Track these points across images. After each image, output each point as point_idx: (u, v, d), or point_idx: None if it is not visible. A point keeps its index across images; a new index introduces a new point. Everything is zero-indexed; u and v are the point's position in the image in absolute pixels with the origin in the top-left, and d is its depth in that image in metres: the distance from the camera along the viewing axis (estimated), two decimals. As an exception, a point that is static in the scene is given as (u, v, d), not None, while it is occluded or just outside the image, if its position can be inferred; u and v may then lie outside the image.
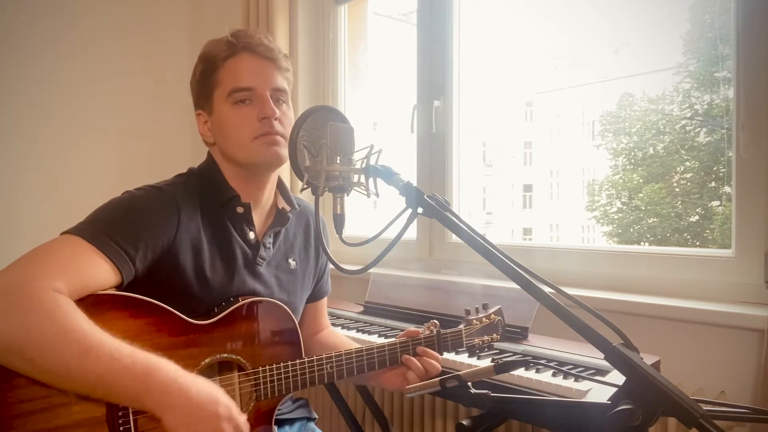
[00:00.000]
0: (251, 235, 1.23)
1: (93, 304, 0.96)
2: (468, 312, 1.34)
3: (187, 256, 1.12)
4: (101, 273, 1.00)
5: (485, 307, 1.36)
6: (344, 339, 1.44)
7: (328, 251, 0.96)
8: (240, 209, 1.21)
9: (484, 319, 1.33)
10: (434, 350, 1.27)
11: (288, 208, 1.31)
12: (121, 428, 0.97)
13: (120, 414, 0.97)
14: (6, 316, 0.88)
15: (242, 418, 0.99)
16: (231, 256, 1.20)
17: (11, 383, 0.90)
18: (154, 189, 1.14)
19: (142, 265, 1.06)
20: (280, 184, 1.32)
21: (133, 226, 1.06)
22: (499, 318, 1.34)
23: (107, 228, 1.03)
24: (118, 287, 1.04)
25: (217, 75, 1.20)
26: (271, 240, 1.27)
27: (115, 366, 0.90)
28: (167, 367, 0.94)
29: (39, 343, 0.88)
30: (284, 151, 1.18)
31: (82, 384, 0.90)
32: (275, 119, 1.17)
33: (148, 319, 1.03)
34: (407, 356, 1.23)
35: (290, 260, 1.32)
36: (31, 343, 0.87)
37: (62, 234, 1.02)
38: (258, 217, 1.26)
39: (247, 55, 1.19)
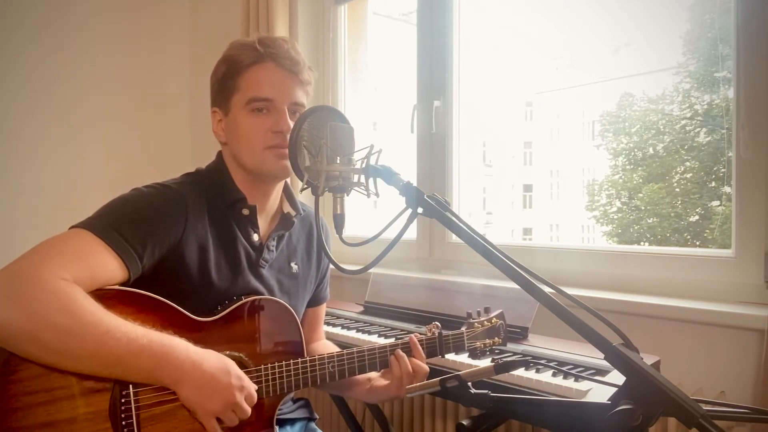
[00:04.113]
0: (255, 237, 1.23)
1: (98, 299, 0.97)
2: (470, 315, 1.34)
3: (193, 255, 1.13)
4: (109, 268, 1.01)
5: (487, 310, 1.36)
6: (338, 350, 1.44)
7: (330, 253, 0.96)
8: (246, 211, 1.22)
9: (485, 322, 1.33)
10: (436, 352, 1.27)
11: (293, 213, 1.31)
12: (124, 422, 0.98)
13: (123, 408, 0.98)
14: (17, 305, 0.89)
15: (254, 388, 1.05)
16: (235, 257, 1.20)
17: (14, 376, 0.91)
18: (163, 187, 1.15)
19: (149, 262, 1.07)
20: (286, 189, 1.33)
21: (142, 224, 1.06)
22: (501, 322, 1.35)
23: (116, 224, 1.04)
24: (124, 283, 1.05)
25: (238, 79, 1.20)
26: (274, 243, 1.28)
27: (133, 347, 0.94)
28: (180, 345, 0.99)
29: (55, 330, 0.90)
30: None
31: (99, 365, 0.94)
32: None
33: (153, 316, 1.04)
34: (395, 355, 1.22)
35: (293, 264, 1.32)
36: (46, 329, 0.89)
37: (71, 228, 1.03)
38: (263, 220, 1.27)
39: (272, 65, 1.19)
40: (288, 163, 1.18)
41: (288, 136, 1.16)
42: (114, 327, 0.94)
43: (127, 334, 0.94)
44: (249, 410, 1.04)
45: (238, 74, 1.20)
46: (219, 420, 1.02)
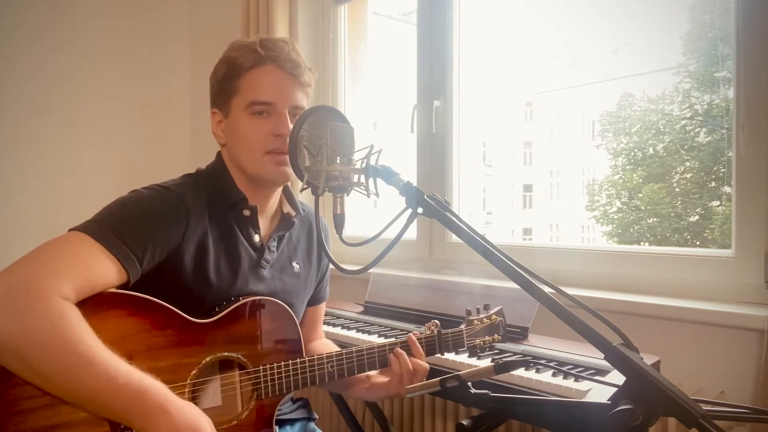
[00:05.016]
0: (256, 238, 1.23)
1: (97, 302, 0.97)
2: (469, 312, 1.34)
3: (192, 257, 1.13)
4: (108, 273, 1.00)
5: (486, 307, 1.36)
6: (338, 350, 1.44)
7: (330, 253, 0.96)
8: (246, 212, 1.21)
9: (485, 319, 1.33)
10: (436, 350, 1.27)
11: (293, 213, 1.31)
12: (122, 426, 0.97)
13: None
14: (11, 319, 0.88)
15: None
16: (236, 258, 1.20)
17: (13, 380, 0.90)
18: (163, 189, 1.14)
19: (149, 265, 1.06)
20: (285, 189, 1.33)
21: (142, 227, 1.05)
22: (501, 319, 1.34)
23: (116, 227, 1.03)
24: (123, 286, 1.04)
25: (239, 82, 1.19)
26: (275, 243, 1.27)
27: (110, 385, 0.91)
28: (158, 392, 0.95)
29: (41, 351, 0.88)
30: (292, 170, 1.19)
31: (74, 396, 0.91)
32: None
33: (151, 318, 1.03)
34: (394, 353, 1.22)
35: (294, 264, 1.32)
36: (32, 349, 0.88)
37: (70, 230, 1.02)
38: (263, 221, 1.27)
39: (273, 67, 1.19)
40: (287, 169, 1.18)
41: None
42: (96, 361, 0.90)
43: (107, 370, 0.91)
44: None
45: (239, 76, 1.19)
46: None
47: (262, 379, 1.13)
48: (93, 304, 0.96)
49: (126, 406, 0.92)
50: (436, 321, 1.30)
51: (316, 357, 1.17)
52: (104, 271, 0.99)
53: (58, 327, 0.89)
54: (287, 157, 1.17)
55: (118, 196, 1.12)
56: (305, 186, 0.98)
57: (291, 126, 1.18)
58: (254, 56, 1.19)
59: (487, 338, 1.32)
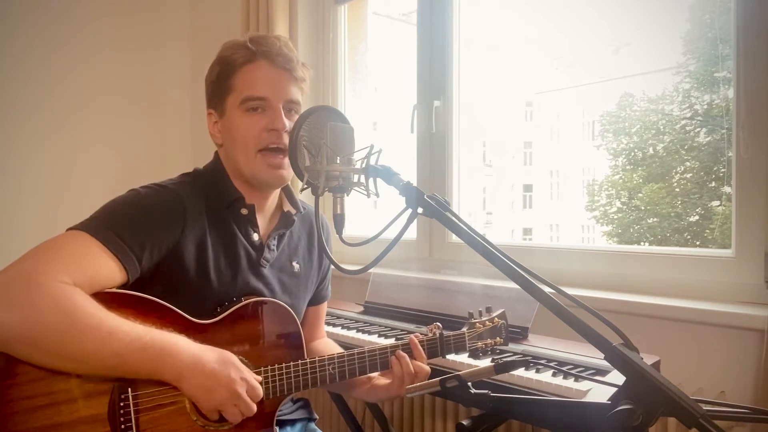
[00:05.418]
0: (255, 236, 1.23)
1: (100, 301, 0.97)
2: (471, 315, 1.33)
3: (191, 256, 1.13)
4: (107, 270, 1.01)
5: (489, 310, 1.36)
6: (339, 349, 1.44)
7: (330, 254, 0.96)
8: (244, 211, 1.21)
9: (487, 322, 1.32)
10: (438, 353, 1.27)
11: (293, 211, 1.31)
12: (123, 425, 0.97)
13: (122, 412, 0.98)
14: (16, 310, 0.89)
15: (257, 381, 1.06)
16: (235, 257, 1.20)
17: (14, 380, 0.91)
18: (160, 188, 1.14)
19: (147, 263, 1.07)
20: (285, 188, 1.33)
21: (140, 225, 1.06)
22: (503, 321, 1.34)
23: (114, 225, 1.03)
24: (123, 286, 1.05)
25: (232, 80, 1.20)
26: (275, 242, 1.27)
27: (135, 346, 0.95)
28: (181, 341, 1.00)
29: (53, 333, 0.90)
30: (288, 173, 1.19)
31: (101, 366, 0.94)
32: (285, 131, 1.18)
33: (152, 318, 1.03)
34: (395, 356, 1.22)
35: (294, 263, 1.32)
36: (46, 333, 0.90)
37: (68, 230, 1.02)
38: (262, 219, 1.27)
39: (265, 63, 1.19)
40: (283, 172, 1.18)
41: (284, 134, 1.17)
42: (116, 327, 0.94)
43: (129, 333, 0.95)
44: (252, 405, 1.04)
45: (232, 74, 1.20)
46: (222, 417, 1.03)
47: (263, 381, 1.12)
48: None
49: (155, 362, 0.97)
50: (439, 323, 1.30)
51: (317, 359, 1.17)
52: (103, 267, 1.00)
53: (68, 308, 0.91)
54: (282, 159, 1.18)
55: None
56: (305, 186, 0.98)
57: (286, 121, 1.18)
58: (246, 53, 1.19)
59: (489, 341, 1.31)
